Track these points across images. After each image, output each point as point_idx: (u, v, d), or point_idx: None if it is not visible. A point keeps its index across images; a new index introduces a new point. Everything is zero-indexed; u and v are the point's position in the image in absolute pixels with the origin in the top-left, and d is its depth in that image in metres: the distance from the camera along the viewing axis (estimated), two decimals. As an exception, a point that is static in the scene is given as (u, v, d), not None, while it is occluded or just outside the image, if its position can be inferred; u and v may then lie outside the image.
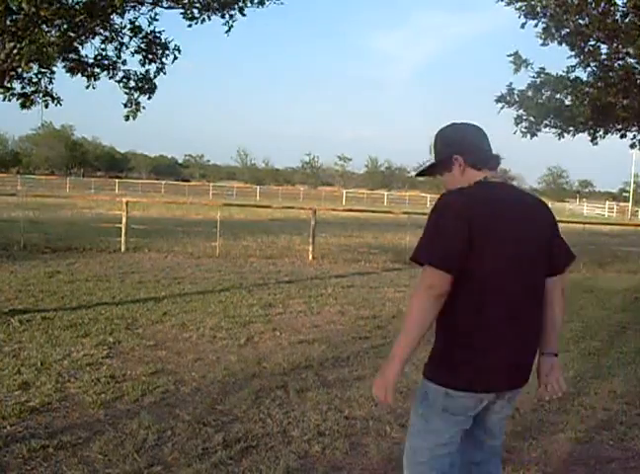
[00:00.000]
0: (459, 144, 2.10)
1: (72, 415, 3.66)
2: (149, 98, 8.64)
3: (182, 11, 8.00)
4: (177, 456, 3.18)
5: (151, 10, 8.00)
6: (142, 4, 7.95)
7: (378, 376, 2.01)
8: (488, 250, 1.93)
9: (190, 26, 8.03)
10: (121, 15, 8.05)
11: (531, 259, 2.03)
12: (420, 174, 2.29)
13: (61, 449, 3.20)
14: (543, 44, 9.30)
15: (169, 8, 8.04)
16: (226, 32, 8.13)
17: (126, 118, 8.71)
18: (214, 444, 3.34)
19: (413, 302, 1.94)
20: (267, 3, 8.10)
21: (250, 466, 3.13)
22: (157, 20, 8.21)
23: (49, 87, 8.63)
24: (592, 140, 10.32)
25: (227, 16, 7.98)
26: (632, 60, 8.92)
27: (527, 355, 2.10)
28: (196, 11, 7.92)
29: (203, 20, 8.04)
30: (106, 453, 3.17)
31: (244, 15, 8.06)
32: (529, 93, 9.66)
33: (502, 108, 9.93)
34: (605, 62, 9.19)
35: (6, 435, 3.32)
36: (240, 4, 7.90)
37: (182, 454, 3.21)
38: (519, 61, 9.52)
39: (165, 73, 8.59)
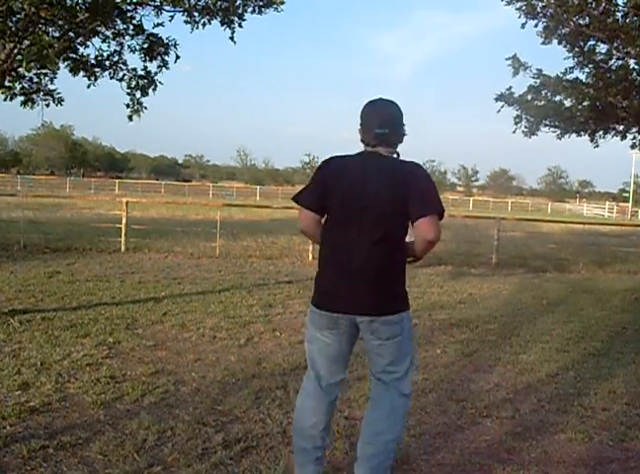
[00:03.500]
0: (362, 122, 2.70)
1: (72, 415, 3.66)
2: (154, 89, 8.63)
3: (184, 16, 8.00)
4: (177, 457, 3.18)
5: (156, 15, 8.01)
6: (143, 5, 7.95)
7: None
8: (332, 196, 2.60)
9: (192, 31, 8.04)
10: (123, 16, 8.06)
11: (369, 207, 2.55)
12: None
13: (61, 450, 3.20)
14: (544, 43, 9.31)
15: (170, 12, 8.04)
16: (230, 38, 8.13)
17: (130, 118, 8.71)
18: (214, 445, 3.33)
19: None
20: (265, 11, 8.10)
21: (250, 466, 3.13)
22: (163, 25, 8.22)
23: (50, 87, 8.63)
24: (591, 141, 10.33)
25: (227, 21, 7.98)
26: (632, 61, 8.92)
27: (357, 286, 2.57)
28: (197, 14, 7.92)
29: (204, 24, 8.04)
30: (106, 454, 3.17)
31: (243, 21, 8.04)
32: (529, 96, 9.68)
33: (501, 107, 9.95)
34: (602, 64, 9.20)
35: (6, 436, 3.31)
36: (239, 11, 7.90)
37: (182, 455, 3.20)
38: (517, 64, 9.54)
39: (168, 68, 8.59)
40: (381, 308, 2.60)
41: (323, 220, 2.73)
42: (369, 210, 2.56)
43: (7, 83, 8.09)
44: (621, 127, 10.16)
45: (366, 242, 2.57)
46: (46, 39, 7.14)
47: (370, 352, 2.75)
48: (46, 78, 8.58)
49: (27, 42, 7.23)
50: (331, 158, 2.72)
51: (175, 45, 8.51)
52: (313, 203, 2.66)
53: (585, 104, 9.43)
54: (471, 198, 63.85)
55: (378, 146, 2.64)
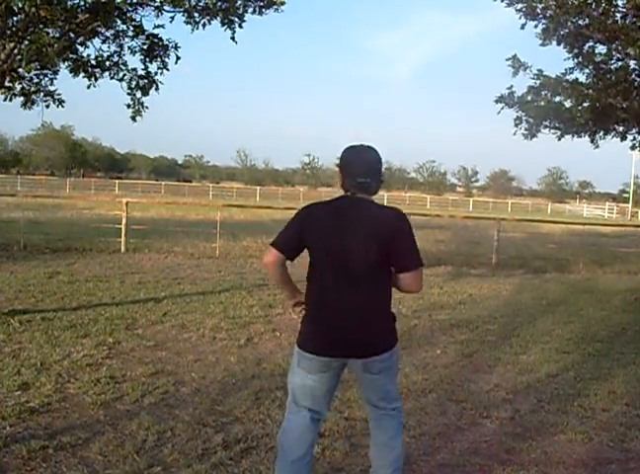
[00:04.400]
0: (343, 167, 2.70)
1: (72, 415, 3.66)
2: (157, 89, 8.62)
3: (184, 17, 7.99)
4: (177, 457, 3.18)
5: (156, 16, 7.99)
6: (143, 6, 7.94)
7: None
8: (312, 242, 2.61)
9: (192, 31, 8.02)
10: (124, 16, 8.05)
11: (352, 259, 2.56)
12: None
13: (61, 450, 3.20)
14: (543, 45, 9.31)
15: (171, 12, 8.03)
16: (231, 38, 8.12)
17: (133, 118, 8.69)
18: (214, 445, 3.34)
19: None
20: (266, 12, 8.08)
21: (250, 467, 3.13)
22: (163, 27, 8.21)
23: (51, 88, 8.62)
24: (592, 142, 10.32)
25: (227, 21, 7.97)
26: (632, 61, 8.92)
27: (350, 329, 2.58)
28: (197, 15, 7.91)
29: (205, 24, 8.03)
30: (105, 454, 3.17)
31: (244, 22, 8.03)
32: (529, 97, 9.67)
33: (502, 108, 9.94)
34: (602, 65, 9.20)
35: (6, 436, 3.31)
36: (239, 12, 7.89)
37: (182, 455, 3.21)
38: (517, 65, 9.54)
39: (168, 69, 8.58)
40: (378, 348, 2.65)
41: (307, 263, 2.71)
42: (354, 256, 2.57)
43: (7, 83, 8.08)
44: (621, 128, 10.16)
45: (353, 286, 2.58)
46: (46, 38, 7.13)
47: (362, 385, 2.79)
48: (46, 78, 8.58)
49: (27, 42, 7.23)
50: (311, 205, 2.75)
51: (176, 47, 8.51)
52: (282, 244, 2.65)
53: (585, 105, 9.42)
54: (471, 199, 63.86)
55: (358, 193, 2.65)
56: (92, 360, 4.68)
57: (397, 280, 2.66)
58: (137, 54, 8.55)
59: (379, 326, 2.67)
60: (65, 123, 77.67)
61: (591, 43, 9.26)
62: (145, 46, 8.48)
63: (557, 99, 9.73)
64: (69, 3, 7.39)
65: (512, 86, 9.81)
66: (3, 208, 17.18)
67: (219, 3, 7.87)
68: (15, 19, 7.18)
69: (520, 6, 9.07)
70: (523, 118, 9.88)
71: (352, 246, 2.56)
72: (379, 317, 2.67)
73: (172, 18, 8.05)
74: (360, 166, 2.66)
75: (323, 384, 2.68)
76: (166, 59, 8.56)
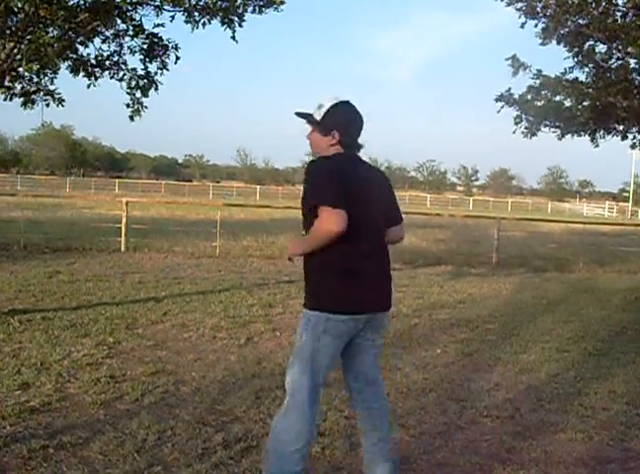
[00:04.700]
0: (344, 125, 2.67)
1: (72, 415, 3.66)
2: (156, 89, 8.62)
3: (184, 16, 7.99)
4: (177, 456, 3.18)
5: (157, 15, 7.99)
6: (143, 5, 7.94)
7: (299, 243, 2.66)
8: (353, 199, 2.48)
9: (192, 30, 8.02)
10: (123, 16, 8.04)
11: (378, 212, 2.67)
12: (300, 114, 2.78)
13: (61, 449, 3.20)
14: (543, 44, 9.31)
15: (170, 11, 8.03)
16: (232, 37, 8.12)
17: (131, 118, 8.70)
18: (214, 445, 3.34)
19: (325, 228, 2.43)
20: (265, 11, 8.08)
21: (250, 466, 3.13)
22: (163, 27, 8.21)
23: (50, 87, 8.62)
24: (592, 141, 10.32)
25: (227, 21, 7.96)
26: (632, 60, 8.92)
27: (383, 286, 2.72)
28: (197, 14, 7.91)
29: (204, 24, 8.03)
30: (106, 453, 3.17)
31: (244, 22, 8.02)
32: (528, 96, 9.67)
33: (502, 107, 9.95)
34: (602, 64, 9.19)
35: (6, 436, 3.31)
36: (239, 11, 7.88)
37: (182, 454, 3.20)
38: (517, 64, 9.54)
39: (168, 69, 8.58)
40: (391, 301, 2.79)
41: None
42: (377, 215, 2.68)
43: (7, 83, 8.08)
44: (621, 127, 10.16)
45: (378, 239, 2.71)
46: (46, 38, 7.13)
47: (361, 360, 2.78)
48: (46, 78, 8.57)
49: (27, 42, 7.23)
50: (332, 160, 2.63)
51: (176, 48, 8.51)
52: (344, 204, 2.46)
53: (585, 104, 9.42)
54: (471, 198, 63.88)
55: (357, 151, 2.72)
56: (92, 360, 4.68)
57: (389, 233, 2.80)
58: (137, 54, 8.56)
59: (391, 279, 2.81)
60: (65, 123, 77.79)
61: (591, 42, 9.26)
62: (145, 46, 8.48)
63: (557, 98, 9.74)
64: (69, 2, 7.39)
65: (509, 88, 9.82)
66: (3, 208, 17.19)
67: (219, 2, 7.87)
68: (15, 18, 7.18)
69: (519, 5, 9.08)
70: (523, 116, 9.88)
71: (376, 206, 2.67)
72: (390, 270, 2.82)
73: (172, 17, 8.05)
74: (359, 128, 2.73)
75: (339, 349, 2.68)
76: (166, 59, 8.57)
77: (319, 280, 2.61)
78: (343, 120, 2.67)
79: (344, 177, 2.54)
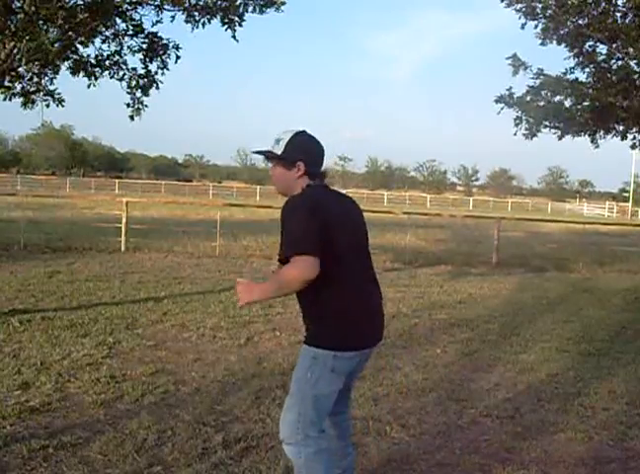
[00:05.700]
0: (307, 154, 2.56)
1: (72, 415, 3.66)
2: (157, 88, 8.63)
3: (184, 16, 8.00)
4: (177, 456, 3.18)
5: (156, 15, 8.01)
6: (143, 5, 7.94)
7: (255, 289, 2.45)
8: (340, 232, 2.44)
9: (192, 30, 8.03)
10: (123, 16, 8.05)
11: (362, 244, 2.63)
12: (259, 152, 2.73)
13: (61, 449, 3.20)
14: (543, 44, 9.31)
15: (171, 11, 8.04)
16: (232, 36, 8.13)
17: (132, 117, 8.71)
18: (214, 444, 3.34)
19: (293, 274, 2.31)
20: (266, 11, 8.09)
21: (250, 466, 3.13)
22: (161, 22, 8.21)
23: (50, 87, 8.62)
24: (592, 141, 10.31)
25: (227, 20, 7.97)
26: (632, 61, 8.92)
27: (378, 318, 2.62)
28: (197, 14, 7.92)
29: (204, 23, 8.04)
30: (106, 453, 3.17)
31: (244, 22, 8.02)
32: (528, 97, 9.67)
33: (502, 108, 9.94)
34: (603, 65, 9.19)
35: (6, 435, 3.32)
36: (239, 11, 7.89)
37: (182, 454, 3.21)
38: (517, 64, 9.53)
39: (168, 69, 8.59)
40: (382, 333, 2.71)
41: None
42: (361, 244, 2.63)
43: (7, 83, 8.09)
44: (621, 128, 10.15)
45: (370, 274, 2.64)
46: (46, 37, 7.14)
47: (346, 388, 2.69)
48: (46, 78, 8.58)
49: (26, 42, 7.23)
50: (311, 196, 2.49)
51: (177, 48, 8.51)
52: (317, 249, 2.33)
53: (585, 104, 9.42)
54: (471, 198, 63.86)
55: (323, 180, 2.62)
56: (92, 360, 4.68)
57: None
58: (137, 54, 8.57)
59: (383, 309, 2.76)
60: (65, 123, 77.70)
61: (591, 43, 9.25)
62: (145, 46, 8.49)
63: (557, 98, 9.73)
64: (69, 2, 7.40)
65: (511, 88, 9.81)
66: (3, 208, 17.18)
67: (219, 2, 7.88)
68: (15, 18, 7.18)
69: (519, 6, 9.07)
70: (524, 117, 9.87)
71: (359, 235, 2.63)
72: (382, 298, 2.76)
73: (172, 17, 8.06)
74: (321, 156, 2.65)
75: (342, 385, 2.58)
76: (166, 59, 8.58)
77: (322, 315, 2.47)
78: (305, 150, 2.56)
79: (326, 213, 2.42)
